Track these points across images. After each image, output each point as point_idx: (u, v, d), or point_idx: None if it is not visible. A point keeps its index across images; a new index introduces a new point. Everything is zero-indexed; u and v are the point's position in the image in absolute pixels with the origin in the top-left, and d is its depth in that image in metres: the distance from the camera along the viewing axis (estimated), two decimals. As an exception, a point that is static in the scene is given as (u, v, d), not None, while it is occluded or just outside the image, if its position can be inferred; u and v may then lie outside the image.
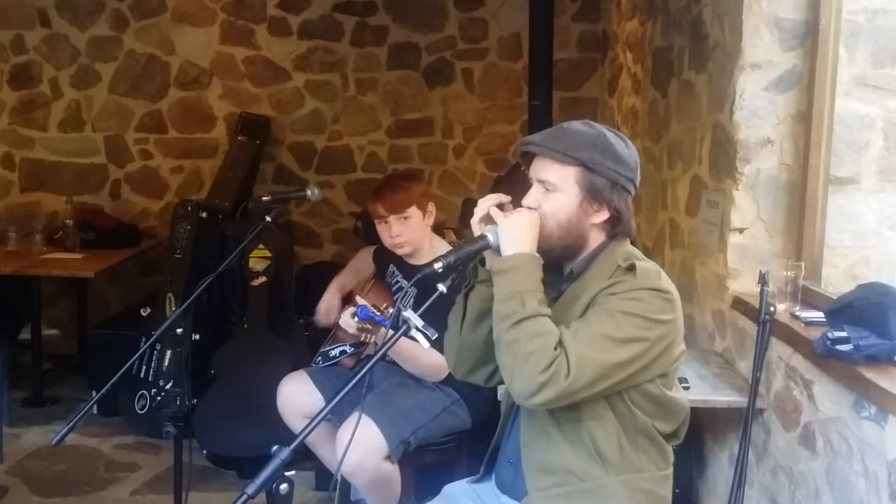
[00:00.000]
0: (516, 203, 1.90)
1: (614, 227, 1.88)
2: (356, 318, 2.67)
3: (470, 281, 1.93)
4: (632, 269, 1.79)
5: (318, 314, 3.30)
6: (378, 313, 2.64)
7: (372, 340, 2.75)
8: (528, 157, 1.91)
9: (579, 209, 1.84)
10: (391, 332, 1.75)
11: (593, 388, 1.74)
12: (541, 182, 1.86)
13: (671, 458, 1.95)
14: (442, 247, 3.05)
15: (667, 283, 1.82)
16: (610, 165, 1.82)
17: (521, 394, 1.73)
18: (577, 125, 1.88)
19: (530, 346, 1.69)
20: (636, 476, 1.86)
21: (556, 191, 1.84)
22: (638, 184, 1.90)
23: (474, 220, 1.86)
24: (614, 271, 1.82)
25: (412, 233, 2.98)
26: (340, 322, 2.86)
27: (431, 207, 3.01)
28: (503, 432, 2.05)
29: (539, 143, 1.86)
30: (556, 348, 1.69)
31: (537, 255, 1.81)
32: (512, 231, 1.80)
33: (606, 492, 1.84)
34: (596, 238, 1.89)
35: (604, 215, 1.86)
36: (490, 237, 1.83)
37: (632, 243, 1.96)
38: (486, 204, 1.86)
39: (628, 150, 1.87)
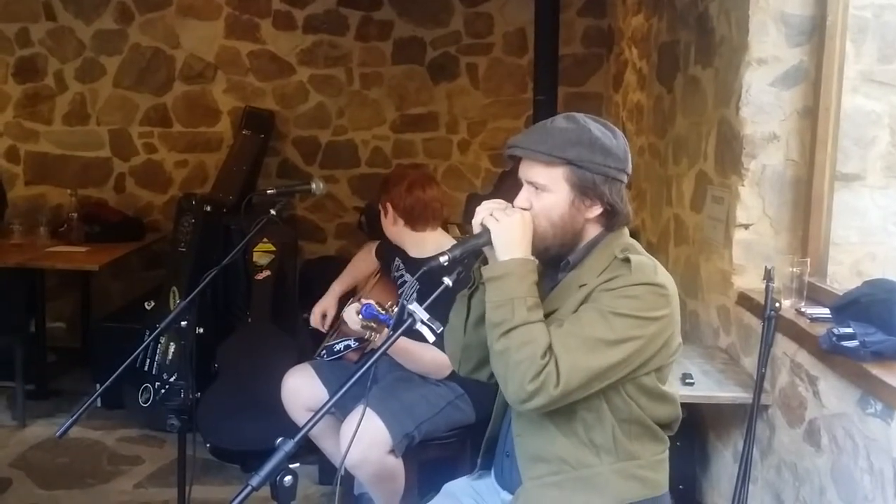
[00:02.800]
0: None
1: (610, 219, 1.87)
2: (360, 317, 2.67)
3: (474, 283, 1.92)
4: (627, 261, 1.78)
5: (313, 317, 3.30)
6: (383, 312, 2.64)
7: (375, 338, 2.74)
8: (516, 157, 1.90)
9: (571, 207, 1.83)
10: (395, 324, 1.74)
11: (587, 391, 1.76)
12: (530, 183, 1.86)
13: (667, 441, 1.95)
14: (447, 243, 3.04)
15: (663, 277, 1.81)
16: (598, 160, 1.80)
17: (513, 401, 1.77)
18: (560, 122, 1.85)
19: (519, 356, 1.71)
20: (630, 463, 1.86)
21: (547, 191, 1.83)
22: (630, 171, 1.89)
23: (475, 222, 1.86)
24: (611, 262, 1.82)
25: (383, 227, 3.12)
26: (345, 317, 2.86)
27: (388, 208, 3.05)
28: (498, 424, 2.06)
29: (524, 145, 1.84)
30: (544, 356, 1.70)
31: (530, 258, 1.81)
32: (504, 236, 1.79)
33: (600, 480, 1.85)
34: (593, 230, 1.88)
35: (597, 210, 1.85)
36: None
37: (634, 236, 1.95)
38: (484, 210, 1.85)
39: (616, 141, 1.85)
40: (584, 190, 1.82)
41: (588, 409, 1.82)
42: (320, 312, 3.30)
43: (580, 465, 1.85)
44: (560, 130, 1.82)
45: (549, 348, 1.71)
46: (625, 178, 1.87)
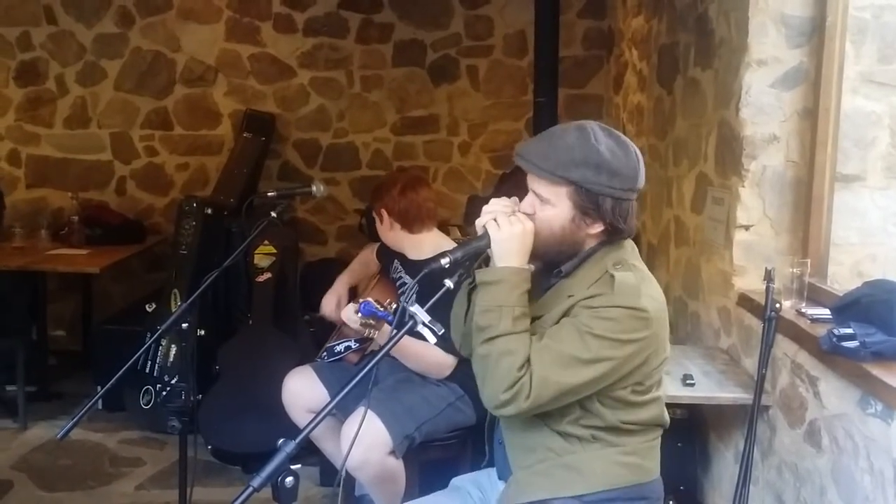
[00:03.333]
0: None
1: (611, 235, 1.87)
2: (359, 314, 2.67)
3: (475, 279, 1.93)
4: (612, 280, 1.79)
5: (325, 307, 3.29)
6: (381, 309, 2.64)
7: (375, 336, 2.75)
8: None
9: (572, 223, 1.83)
10: (397, 325, 1.74)
11: (558, 404, 1.80)
12: (535, 193, 1.86)
13: (657, 430, 1.96)
14: (445, 243, 3.05)
15: (645, 299, 1.79)
16: (603, 181, 1.78)
17: (487, 405, 1.82)
18: (571, 136, 1.80)
19: (498, 364, 1.76)
20: (615, 450, 1.89)
21: (549, 204, 1.83)
22: (641, 185, 1.87)
23: (479, 223, 1.86)
24: (602, 275, 1.82)
25: (380, 234, 3.14)
26: (343, 317, 2.86)
27: (383, 213, 3.07)
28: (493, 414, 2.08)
29: (529, 158, 1.82)
30: (521, 368, 1.74)
31: (525, 267, 1.82)
32: (503, 245, 1.81)
33: (586, 467, 1.88)
34: (592, 242, 1.89)
35: (598, 227, 1.85)
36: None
37: (634, 239, 1.95)
38: (489, 213, 1.85)
39: (626, 159, 1.81)
40: (585, 210, 1.82)
41: (563, 415, 1.86)
42: (334, 300, 3.29)
43: (565, 453, 1.88)
44: (567, 147, 1.79)
45: (528, 361, 1.75)
46: (633, 196, 1.85)
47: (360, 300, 2.69)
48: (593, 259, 1.87)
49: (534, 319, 1.83)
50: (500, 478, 2.06)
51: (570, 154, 1.78)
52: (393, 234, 3.08)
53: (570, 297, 1.83)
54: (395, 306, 2.67)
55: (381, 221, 3.09)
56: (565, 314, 1.81)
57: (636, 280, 1.81)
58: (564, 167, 1.78)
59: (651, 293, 1.83)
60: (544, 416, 1.86)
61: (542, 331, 1.81)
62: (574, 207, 1.81)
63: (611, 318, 1.75)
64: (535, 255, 1.85)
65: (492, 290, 1.80)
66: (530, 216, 1.84)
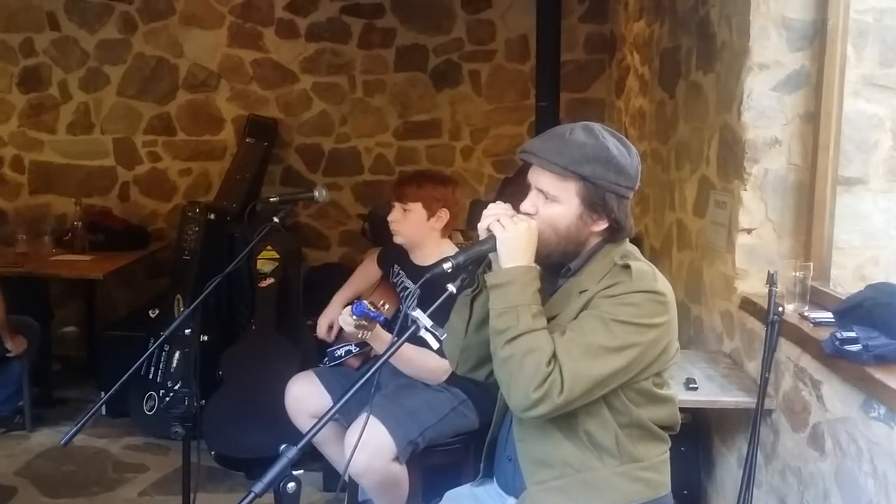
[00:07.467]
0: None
1: (614, 234, 1.89)
2: (352, 315, 2.68)
3: (478, 285, 1.93)
4: (627, 268, 1.80)
5: (320, 329, 3.29)
6: (374, 309, 2.64)
7: (368, 337, 2.75)
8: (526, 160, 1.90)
9: (578, 220, 1.84)
10: (398, 331, 1.74)
11: (589, 398, 1.78)
12: (540, 190, 1.86)
13: (668, 441, 1.96)
14: (449, 249, 3.04)
15: (662, 284, 1.82)
16: (611, 178, 1.81)
17: (516, 408, 1.78)
18: (579, 134, 1.83)
19: (524, 363, 1.73)
20: (633, 465, 1.88)
21: (556, 201, 1.84)
22: (639, 184, 1.90)
23: (482, 226, 1.86)
24: (611, 269, 1.83)
25: (406, 226, 3.00)
26: (340, 321, 2.86)
27: (443, 213, 2.98)
28: (498, 428, 2.07)
29: (541, 154, 1.83)
30: (549, 363, 1.72)
31: (533, 265, 1.82)
32: (510, 244, 1.80)
33: (605, 483, 1.86)
34: (595, 240, 1.90)
35: (603, 224, 1.86)
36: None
37: (636, 242, 1.96)
38: (492, 216, 1.85)
39: (630, 159, 1.85)
40: (592, 206, 1.83)
41: (590, 415, 1.84)
42: (326, 323, 3.28)
43: (584, 469, 1.86)
44: (578, 144, 1.81)
45: (554, 356, 1.73)
46: (632, 195, 1.88)
47: (354, 301, 2.71)
48: (599, 255, 1.88)
49: (547, 321, 1.81)
50: (506, 493, 2.02)
51: (583, 150, 1.81)
52: (428, 232, 3.00)
53: (582, 292, 1.83)
54: (387, 307, 2.69)
55: (432, 219, 2.98)
56: (583, 309, 1.80)
57: (650, 268, 1.84)
58: (577, 163, 1.80)
59: (664, 280, 1.85)
60: (566, 426, 1.84)
61: (560, 329, 1.79)
62: (581, 204, 1.83)
63: (633, 304, 1.76)
64: (537, 259, 1.84)
65: (504, 292, 1.79)
66: (532, 216, 1.85)
